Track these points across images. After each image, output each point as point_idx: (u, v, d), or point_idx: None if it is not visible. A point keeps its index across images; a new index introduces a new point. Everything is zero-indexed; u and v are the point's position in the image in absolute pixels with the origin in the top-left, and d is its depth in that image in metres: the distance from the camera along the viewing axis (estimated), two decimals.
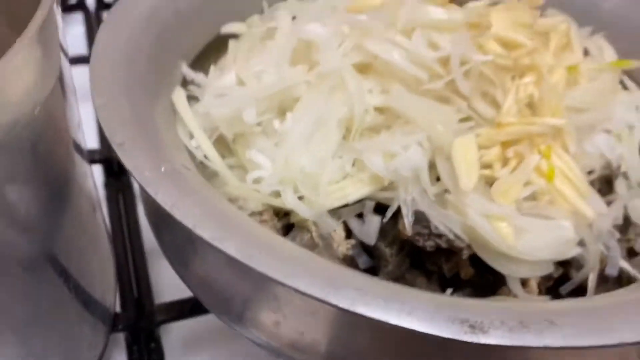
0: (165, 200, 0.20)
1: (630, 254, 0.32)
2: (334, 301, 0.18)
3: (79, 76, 0.28)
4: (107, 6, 0.68)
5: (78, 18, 0.68)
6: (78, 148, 0.27)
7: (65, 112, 0.25)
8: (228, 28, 0.33)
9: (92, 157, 0.45)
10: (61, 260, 0.27)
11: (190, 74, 0.31)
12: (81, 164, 0.27)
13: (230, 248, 0.19)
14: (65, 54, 0.25)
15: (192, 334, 0.37)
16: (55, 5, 0.22)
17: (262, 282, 0.23)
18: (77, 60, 0.55)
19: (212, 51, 0.35)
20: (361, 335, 0.22)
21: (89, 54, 0.57)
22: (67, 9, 0.68)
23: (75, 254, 0.28)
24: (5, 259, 0.23)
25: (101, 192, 0.44)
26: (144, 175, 0.21)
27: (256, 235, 0.21)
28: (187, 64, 0.32)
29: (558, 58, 0.30)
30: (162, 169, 0.22)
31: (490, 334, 0.18)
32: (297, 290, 0.18)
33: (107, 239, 0.33)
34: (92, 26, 0.65)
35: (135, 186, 0.45)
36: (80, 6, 0.68)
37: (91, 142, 0.43)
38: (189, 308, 0.35)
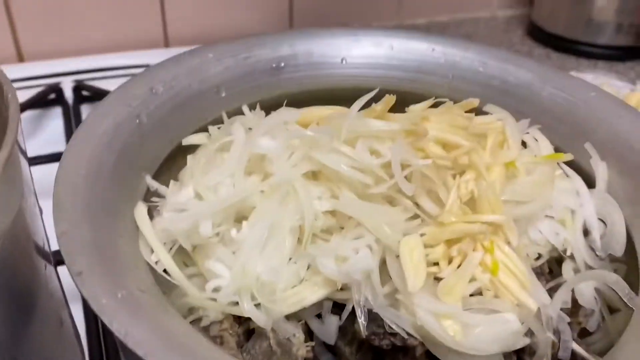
0: (119, 329, 0.22)
1: (583, 333, 0.34)
2: None
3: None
4: (86, 99, 0.71)
5: (57, 112, 0.70)
6: (42, 252, 0.28)
7: (28, 225, 0.27)
8: (189, 140, 0.36)
9: (59, 258, 0.47)
10: None
11: (153, 184, 0.33)
12: (47, 268, 0.28)
13: None
14: (25, 155, 0.26)
15: None
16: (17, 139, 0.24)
17: None
18: (55, 158, 0.57)
19: (173, 160, 0.37)
20: None
21: None
22: (46, 103, 0.71)
23: None
24: None
25: (72, 294, 0.45)
26: (100, 303, 0.22)
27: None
28: (150, 175, 0.34)
29: (495, 155, 0.32)
30: (119, 295, 0.23)
31: None
32: None
33: (78, 349, 0.34)
34: (71, 120, 0.68)
35: None
36: (59, 101, 0.71)
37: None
38: None
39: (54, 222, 0.26)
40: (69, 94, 0.72)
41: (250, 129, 0.33)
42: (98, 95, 0.71)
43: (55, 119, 0.69)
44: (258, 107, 0.35)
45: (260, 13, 0.90)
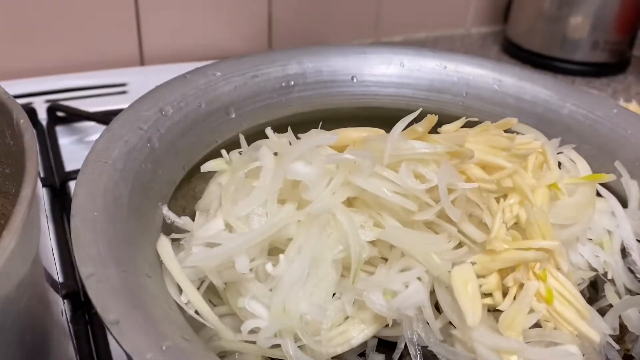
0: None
1: (626, 358, 0.32)
2: None
3: None
4: (60, 120, 0.67)
5: None
6: (53, 282, 0.25)
7: (44, 263, 0.24)
8: (208, 166, 0.33)
9: (65, 292, 0.43)
10: None
11: (171, 216, 0.30)
12: (57, 300, 0.25)
13: None
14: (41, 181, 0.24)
15: None
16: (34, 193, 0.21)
17: None
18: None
19: (185, 186, 0.35)
20: None
21: (45, 177, 0.55)
22: None
23: None
24: None
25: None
26: (145, 358, 0.19)
27: None
28: (166, 204, 0.31)
29: (537, 176, 0.31)
30: (164, 347, 0.20)
31: None
32: None
33: None
34: (46, 141, 0.63)
35: None
36: (33, 123, 0.66)
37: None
38: None
39: (79, 263, 0.23)
40: (42, 115, 0.68)
41: (275, 153, 0.31)
42: (74, 116, 0.67)
43: None
44: (290, 130, 0.33)
45: (238, 31, 0.88)
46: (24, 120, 0.23)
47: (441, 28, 1.05)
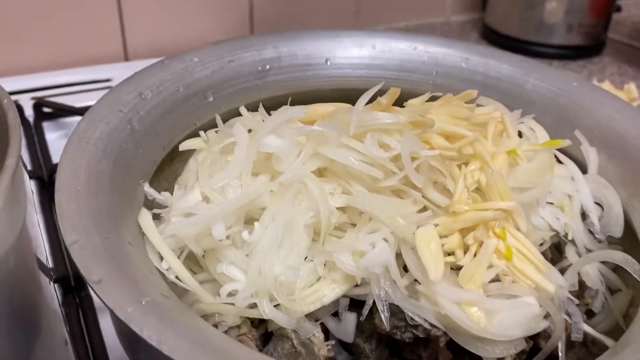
0: (151, 335, 0.20)
1: (588, 314, 0.34)
2: None
3: None
4: (46, 116, 0.68)
5: None
6: (43, 267, 0.26)
7: (31, 240, 0.25)
8: (186, 145, 0.34)
9: (56, 276, 0.45)
10: None
11: (152, 193, 0.32)
12: (47, 284, 0.27)
13: None
14: (26, 169, 0.25)
15: None
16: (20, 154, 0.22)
17: None
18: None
19: (165, 166, 0.36)
20: None
21: (32, 169, 0.57)
22: None
23: None
24: None
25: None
26: (126, 312, 0.21)
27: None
28: (147, 182, 0.32)
29: (497, 144, 0.33)
30: (143, 302, 0.22)
31: None
32: None
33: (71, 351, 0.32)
34: (33, 137, 0.65)
35: (96, 301, 0.44)
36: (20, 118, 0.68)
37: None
38: None
39: (62, 231, 0.24)
40: (29, 112, 0.69)
41: (249, 130, 0.32)
42: (60, 111, 0.68)
43: None
44: (261, 107, 0.35)
45: (220, 23, 0.89)
46: (7, 100, 0.25)
47: (421, 16, 1.07)
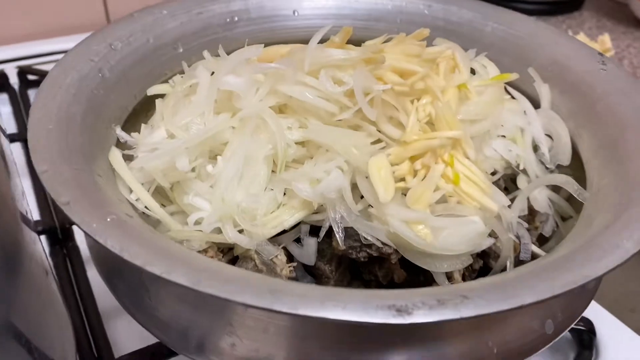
0: (115, 245, 0.22)
1: (541, 240, 0.37)
2: (278, 308, 0.20)
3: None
4: (31, 84, 0.70)
5: (3, 98, 0.69)
6: (25, 218, 0.28)
7: (10, 186, 0.27)
8: (153, 90, 0.36)
9: (40, 228, 0.47)
10: (18, 325, 0.28)
11: (122, 135, 0.34)
12: (29, 232, 0.29)
13: (180, 278, 0.21)
14: (4, 133, 0.27)
15: None
16: None
17: (214, 309, 0.26)
18: (12, 138, 0.57)
19: (142, 112, 0.38)
20: (309, 340, 0.25)
21: (19, 132, 0.59)
22: None
23: (32, 318, 0.29)
24: None
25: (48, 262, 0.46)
26: (92, 227, 0.23)
27: (201, 264, 0.23)
28: (119, 125, 0.34)
29: (448, 79, 0.35)
30: (108, 219, 0.24)
31: (414, 314, 0.21)
32: (244, 304, 0.20)
33: (62, 303, 0.34)
34: (19, 104, 0.66)
35: (83, 251, 0.46)
36: (5, 87, 0.69)
37: (32, 214, 0.44)
38: (149, 356, 0.36)
39: (34, 162, 0.26)
40: (14, 80, 0.70)
41: (212, 73, 0.34)
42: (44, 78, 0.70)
43: (2, 105, 0.68)
44: (221, 48, 0.36)
45: None
46: None
47: None
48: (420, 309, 0.21)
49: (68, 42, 0.80)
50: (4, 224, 0.26)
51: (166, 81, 0.39)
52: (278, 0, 0.46)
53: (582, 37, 0.79)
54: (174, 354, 0.36)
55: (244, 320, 0.25)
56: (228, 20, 0.44)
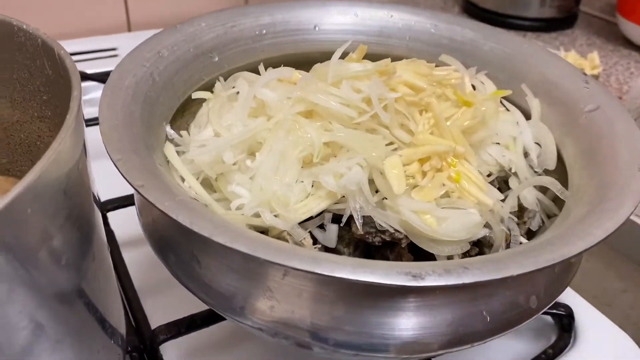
0: (185, 220, 0.28)
1: (529, 234, 0.42)
2: (319, 271, 0.26)
3: None
4: None
5: None
6: (95, 199, 0.34)
7: (87, 170, 0.32)
8: (198, 94, 0.42)
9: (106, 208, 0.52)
10: (88, 293, 0.33)
11: (171, 132, 0.39)
12: (98, 212, 0.34)
13: (241, 247, 0.26)
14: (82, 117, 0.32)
15: (189, 348, 0.43)
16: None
17: (256, 276, 0.31)
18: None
19: (179, 111, 0.43)
20: (336, 303, 0.30)
21: None
22: None
23: (96, 286, 0.35)
24: (46, 292, 0.29)
25: None
26: (165, 205, 0.29)
27: (254, 236, 0.28)
28: (167, 123, 0.40)
29: (454, 96, 0.40)
30: (177, 200, 0.30)
31: (426, 279, 0.26)
32: (294, 268, 0.26)
33: (115, 276, 0.40)
34: None
35: (118, 236, 0.52)
36: None
37: None
38: (184, 326, 0.41)
39: (109, 152, 0.32)
40: None
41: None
42: None
43: None
44: (262, 66, 0.42)
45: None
46: (63, 51, 0.32)
47: None
48: (431, 276, 0.26)
49: (92, 43, 0.86)
50: (85, 204, 0.32)
51: (203, 86, 0.45)
52: (301, 16, 0.52)
53: (573, 54, 0.85)
54: (206, 324, 0.42)
55: (281, 287, 0.31)
56: (257, 32, 0.50)
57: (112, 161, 0.31)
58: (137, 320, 0.44)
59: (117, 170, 0.31)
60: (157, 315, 0.45)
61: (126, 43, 0.86)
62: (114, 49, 0.86)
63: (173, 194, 0.30)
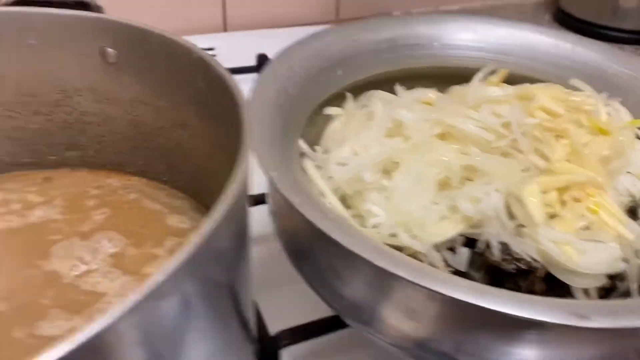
0: (343, 239, 0.29)
1: None
2: (484, 304, 0.26)
3: None
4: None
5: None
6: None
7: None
8: (329, 111, 0.43)
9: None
10: (236, 287, 0.34)
11: (304, 147, 0.40)
12: (248, 209, 0.35)
13: (404, 273, 0.27)
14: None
15: (309, 354, 0.44)
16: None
17: (390, 290, 0.32)
18: None
19: (309, 123, 0.45)
20: (482, 330, 0.31)
21: None
22: None
23: (243, 282, 0.36)
24: (213, 292, 0.30)
25: None
26: (295, 200, 0.30)
27: (416, 265, 0.29)
28: (300, 138, 0.41)
29: (590, 123, 0.40)
30: (330, 216, 0.31)
31: (592, 320, 0.26)
32: (459, 300, 0.26)
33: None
34: None
35: None
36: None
37: None
38: (308, 332, 0.42)
39: (265, 167, 0.33)
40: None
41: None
42: None
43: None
44: (398, 86, 0.43)
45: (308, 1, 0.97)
46: (222, 69, 0.33)
47: None
48: (597, 317, 0.26)
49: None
50: (242, 203, 0.33)
51: (327, 99, 0.46)
52: (420, 32, 0.52)
53: None
54: (327, 331, 0.42)
55: (427, 310, 0.31)
56: (376, 47, 0.50)
57: (268, 176, 0.33)
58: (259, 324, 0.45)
59: None
60: (274, 319, 0.46)
61: (222, 43, 0.88)
62: (211, 49, 0.88)
63: (303, 189, 0.31)
